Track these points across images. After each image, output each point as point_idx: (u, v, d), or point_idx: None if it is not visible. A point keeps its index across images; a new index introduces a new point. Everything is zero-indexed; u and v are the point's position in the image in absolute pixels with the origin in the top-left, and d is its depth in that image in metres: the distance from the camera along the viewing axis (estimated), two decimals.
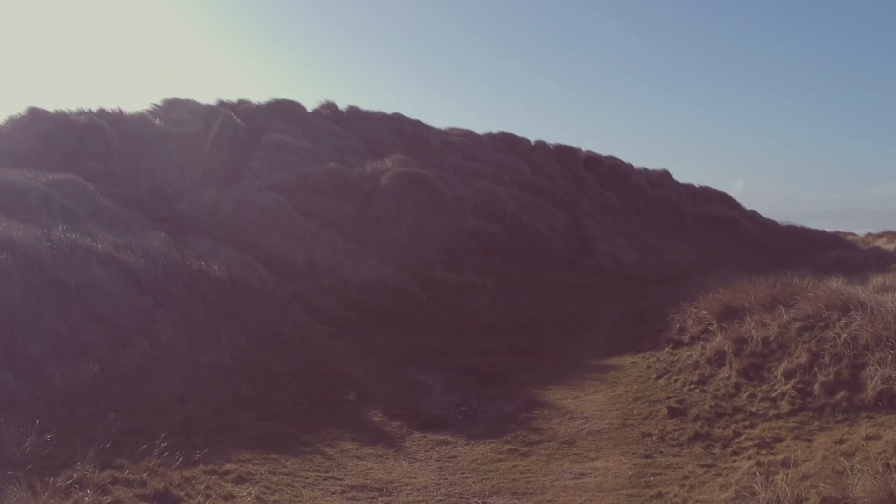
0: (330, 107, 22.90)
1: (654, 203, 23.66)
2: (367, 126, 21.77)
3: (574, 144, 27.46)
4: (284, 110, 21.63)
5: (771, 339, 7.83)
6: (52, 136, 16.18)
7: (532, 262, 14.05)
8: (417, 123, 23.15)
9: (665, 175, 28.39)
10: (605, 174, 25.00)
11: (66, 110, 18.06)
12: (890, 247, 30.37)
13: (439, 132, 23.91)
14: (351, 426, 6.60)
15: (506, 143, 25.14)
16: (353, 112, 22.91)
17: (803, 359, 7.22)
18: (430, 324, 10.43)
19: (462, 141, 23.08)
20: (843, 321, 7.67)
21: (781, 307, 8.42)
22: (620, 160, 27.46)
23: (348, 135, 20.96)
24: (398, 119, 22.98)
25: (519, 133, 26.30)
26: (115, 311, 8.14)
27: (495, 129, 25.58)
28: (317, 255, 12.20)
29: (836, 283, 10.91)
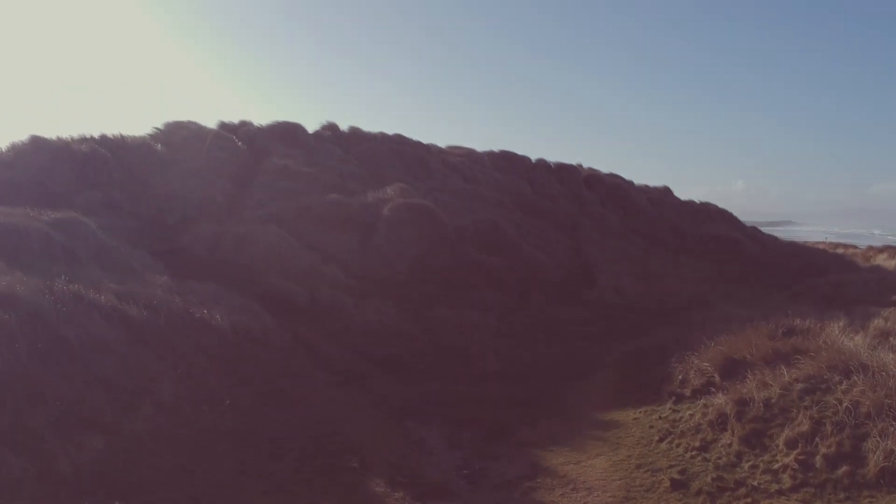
0: (331, 128, 22.92)
1: (654, 223, 23.66)
2: (368, 148, 21.78)
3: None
4: (286, 132, 21.65)
5: (773, 401, 7.84)
6: (55, 165, 16.21)
7: (533, 295, 14.06)
8: (418, 145, 23.16)
9: (666, 192, 28.42)
10: (606, 193, 25.01)
11: (68, 137, 18.09)
12: (890, 264, 30.37)
13: (440, 152, 23.93)
14: (353, 499, 6.61)
15: (506, 162, 25.17)
16: (355, 133, 22.92)
17: (805, 426, 7.24)
18: (431, 370, 10.44)
19: (463, 162, 23.10)
20: (844, 385, 7.69)
21: (783, 367, 8.42)
22: (621, 177, 27.50)
23: (349, 157, 20.97)
24: (399, 141, 22.99)
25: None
26: (118, 370, 8.16)
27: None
28: (319, 294, 12.22)
29: (837, 331, 10.95)
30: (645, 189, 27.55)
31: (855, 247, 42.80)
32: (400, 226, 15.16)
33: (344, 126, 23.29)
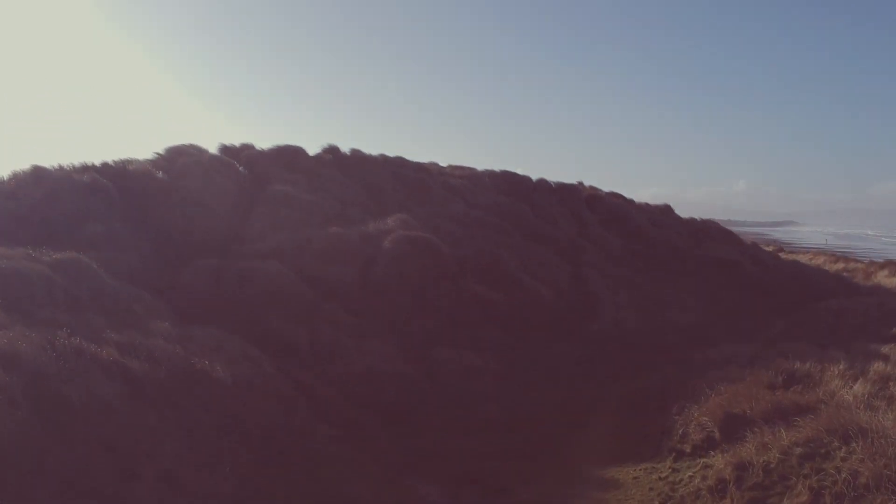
0: (332, 150, 22.95)
1: (655, 245, 23.70)
2: (369, 172, 21.81)
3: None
4: (287, 156, 21.70)
5: (772, 466, 7.86)
6: (56, 198, 16.23)
7: (534, 333, 14.09)
8: (419, 167, 23.21)
9: (666, 211, 28.46)
10: (607, 214, 25.06)
11: (69, 166, 18.13)
12: (891, 282, 30.42)
13: (440, 173, 23.98)
14: None
15: (507, 183, 25.22)
16: (356, 156, 22.95)
17: (804, 497, 7.26)
18: (433, 419, 10.46)
19: (464, 184, 23.14)
20: (843, 451, 7.71)
21: (782, 429, 8.45)
22: (622, 196, 27.54)
23: (350, 182, 21.00)
24: (400, 164, 23.04)
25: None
26: (120, 431, 8.19)
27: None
28: (319, 335, 12.24)
29: (837, 375, 10.99)
30: (645, 208, 27.60)
31: (856, 259, 42.90)
32: (401, 259, 15.18)
33: (345, 147, 23.36)
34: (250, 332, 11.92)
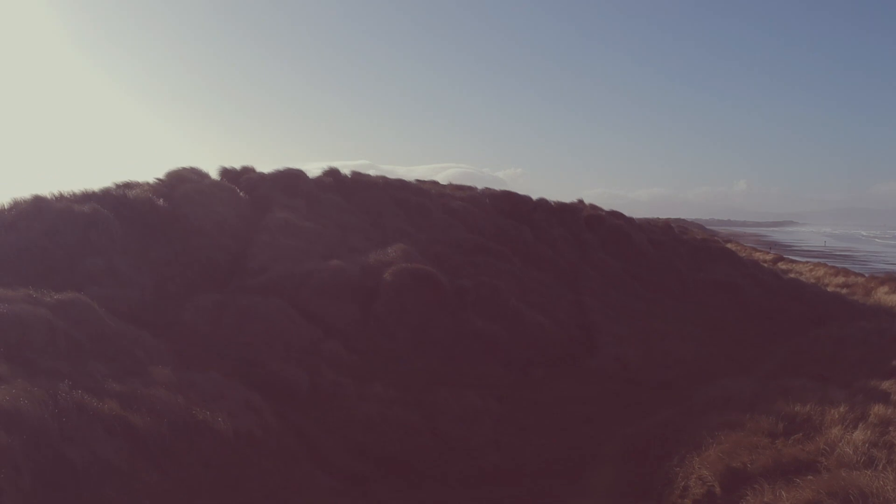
0: (332, 174, 22.99)
1: (655, 267, 23.73)
2: (370, 196, 21.84)
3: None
4: (287, 180, 21.72)
5: None
6: (57, 230, 16.27)
7: (534, 369, 14.12)
8: (419, 191, 23.24)
9: (666, 230, 28.48)
10: (607, 235, 25.09)
11: (70, 194, 18.15)
12: (891, 300, 30.43)
13: (440, 195, 24.00)
14: None
15: (508, 203, 25.26)
16: (356, 179, 22.99)
17: None
18: (432, 469, 10.46)
19: (464, 207, 23.16)
20: None
21: (783, 490, 8.46)
22: (622, 215, 27.55)
23: (351, 207, 21.03)
24: (400, 186, 23.08)
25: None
26: (122, 493, 8.23)
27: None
28: (320, 378, 12.27)
29: (837, 418, 11.01)
30: (645, 227, 27.62)
31: (856, 273, 42.89)
32: (401, 292, 15.21)
33: (345, 169, 23.47)
34: (251, 375, 11.95)
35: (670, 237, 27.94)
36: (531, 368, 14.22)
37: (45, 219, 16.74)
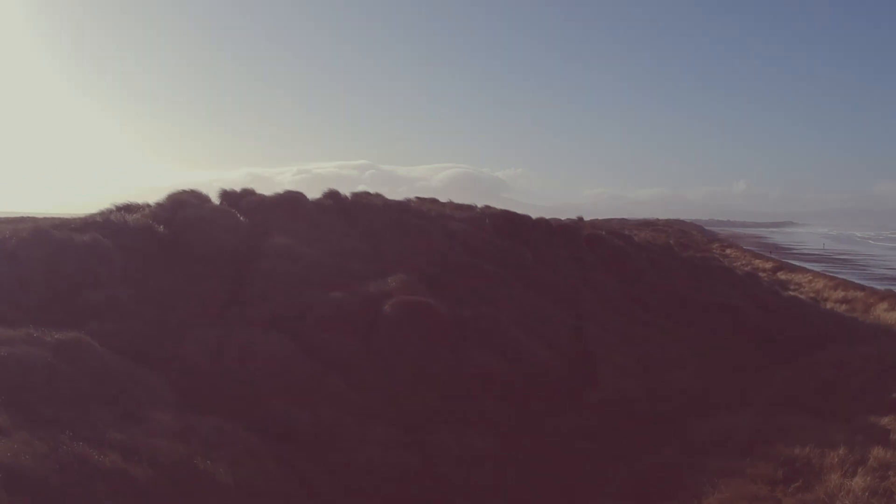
0: (332, 196, 23.01)
1: (655, 289, 23.76)
2: (370, 219, 21.86)
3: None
4: (287, 203, 21.76)
5: None
6: (58, 261, 16.30)
7: (534, 404, 14.15)
8: (419, 214, 23.26)
9: (667, 249, 28.52)
10: (607, 255, 25.12)
11: (72, 219, 18.19)
12: (890, 318, 30.47)
13: (440, 215, 24.02)
14: None
15: (507, 223, 25.27)
16: (356, 202, 23.01)
17: None
18: None
19: (463, 228, 23.17)
20: None
21: None
22: (622, 234, 27.57)
23: (351, 231, 21.05)
24: (400, 209, 23.10)
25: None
26: None
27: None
28: (321, 418, 12.29)
29: (836, 471, 11.04)
30: (645, 246, 27.66)
31: (855, 287, 42.92)
32: (401, 325, 15.24)
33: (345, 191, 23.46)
34: (251, 417, 11.97)
35: (670, 256, 27.98)
36: (532, 403, 14.26)
37: (45, 248, 16.75)
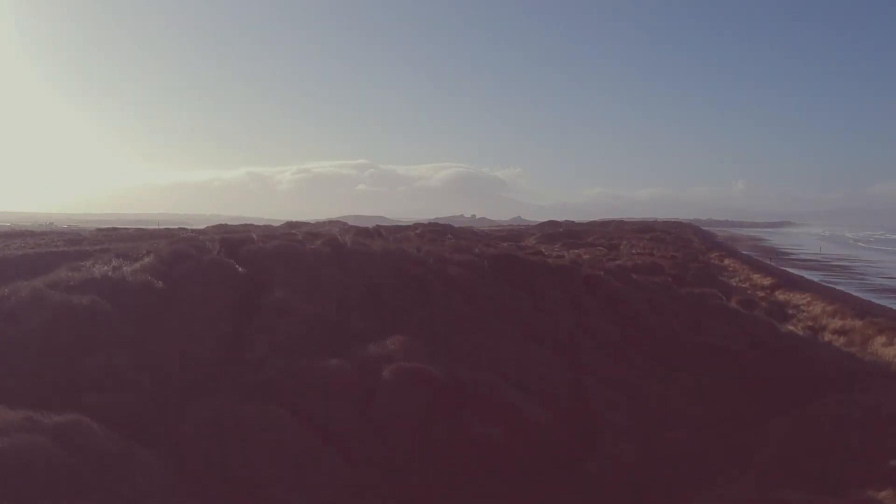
0: (330, 242, 23.06)
1: (654, 332, 23.79)
2: (369, 269, 21.89)
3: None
4: (287, 253, 21.78)
5: None
6: (56, 325, 16.31)
7: (532, 477, 14.16)
8: (418, 261, 23.30)
9: (665, 287, 28.56)
10: (606, 297, 25.16)
11: (72, 280, 18.16)
12: (889, 353, 30.43)
13: (439, 260, 24.06)
14: None
15: (507, 265, 25.33)
16: (355, 250, 23.04)
17: None
18: None
19: (462, 273, 23.21)
20: None
21: None
22: (620, 274, 27.63)
23: (350, 283, 21.07)
24: (399, 257, 23.13)
25: None
26: None
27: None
28: (318, 500, 12.32)
29: None
30: (644, 285, 27.70)
31: (854, 314, 42.74)
32: (399, 393, 15.26)
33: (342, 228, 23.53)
34: (250, 502, 12.01)
35: (668, 295, 28.02)
36: (529, 475, 14.27)
37: (43, 310, 16.75)
